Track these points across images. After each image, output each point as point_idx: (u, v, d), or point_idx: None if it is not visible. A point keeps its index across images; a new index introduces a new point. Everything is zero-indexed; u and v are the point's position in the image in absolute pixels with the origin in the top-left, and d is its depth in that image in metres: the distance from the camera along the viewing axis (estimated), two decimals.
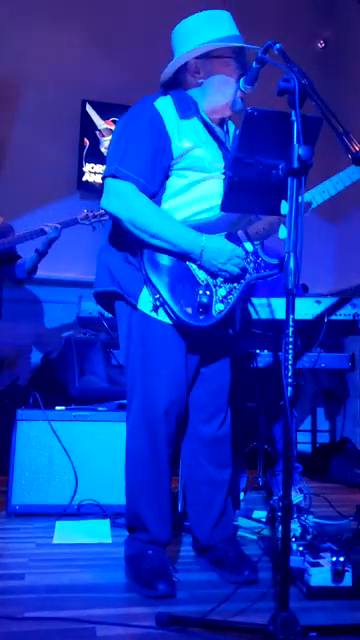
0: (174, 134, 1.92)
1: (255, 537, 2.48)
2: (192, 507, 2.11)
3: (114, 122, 4.92)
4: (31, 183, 4.61)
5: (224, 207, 1.72)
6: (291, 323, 1.48)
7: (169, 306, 1.89)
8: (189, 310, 1.89)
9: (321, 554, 1.92)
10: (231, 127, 2.14)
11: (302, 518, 2.77)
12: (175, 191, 1.95)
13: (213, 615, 1.57)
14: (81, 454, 2.87)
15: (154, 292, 1.89)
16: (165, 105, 1.95)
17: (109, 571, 2.02)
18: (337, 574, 1.79)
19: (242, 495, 3.30)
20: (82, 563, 2.11)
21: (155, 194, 1.93)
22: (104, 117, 4.90)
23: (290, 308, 1.49)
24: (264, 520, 2.73)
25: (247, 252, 1.98)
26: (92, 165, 4.82)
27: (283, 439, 1.57)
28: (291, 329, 1.49)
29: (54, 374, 4.19)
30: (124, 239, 1.97)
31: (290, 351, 1.49)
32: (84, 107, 4.84)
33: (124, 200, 1.88)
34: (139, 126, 1.91)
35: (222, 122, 2.08)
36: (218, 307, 1.92)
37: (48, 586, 1.87)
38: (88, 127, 4.86)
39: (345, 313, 2.71)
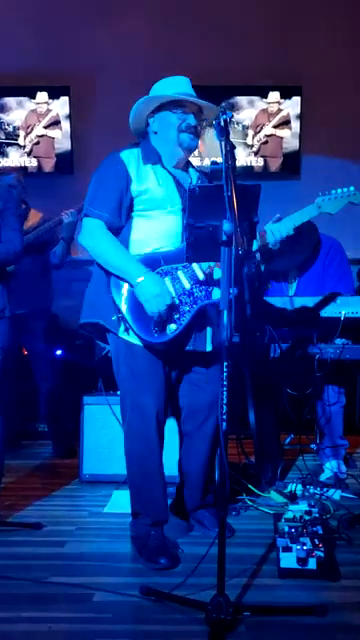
0: (134, 177, 2.33)
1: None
2: None
3: None
4: None
5: (189, 259, 2.04)
6: (224, 370, 1.80)
7: (129, 325, 2.28)
8: (145, 328, 2.26)
9: (300, 539, 2.26)
10: (192, 172, 2.50)
11: (328, 494, 3.08)
12: (140, 229, 2.34)
13: (185, 589, 2.02)
14: None
15: (117, 312, 2.29)
16: (129, 154, 2.36)
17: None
18: (300, 560, 2.14)
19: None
20: (116, 533, 2.61)
21: (121, 227, 2.35)
22: None
23: (224, 357, 1.80)
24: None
25: (194, 283, 2.30)
26: None
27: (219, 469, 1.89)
28: (225, 374, 1.81)
29: None
30: (103, 272, 2.36)
31: (225, 393, 1.81)
32: None
33: (92, 235, 2.32)
34: (106, 173, 2.36)
35: (187, 166, 2.47)
36: (171, 327, 2.28)
37: (78, 554, 2.41)
38: None
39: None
